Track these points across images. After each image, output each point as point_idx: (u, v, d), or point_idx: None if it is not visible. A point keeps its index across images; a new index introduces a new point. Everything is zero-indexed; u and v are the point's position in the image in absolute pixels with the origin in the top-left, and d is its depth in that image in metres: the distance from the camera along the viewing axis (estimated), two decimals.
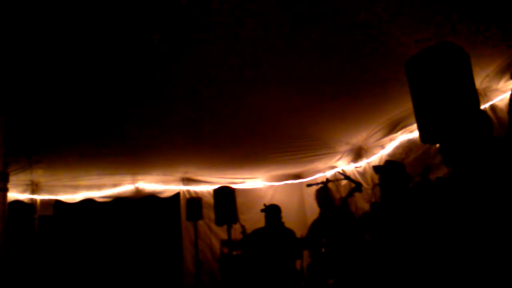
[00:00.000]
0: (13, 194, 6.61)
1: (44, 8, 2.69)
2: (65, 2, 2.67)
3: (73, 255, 7.49)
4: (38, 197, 7.01)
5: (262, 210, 5.84)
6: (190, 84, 4.03)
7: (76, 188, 7.27)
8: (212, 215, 6.11)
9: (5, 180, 3.28)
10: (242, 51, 3.50)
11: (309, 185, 5.71)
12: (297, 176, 8.51)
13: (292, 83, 4.21)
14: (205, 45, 3.33)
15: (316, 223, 5.60)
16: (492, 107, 4.40)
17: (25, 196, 6.90)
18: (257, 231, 5.88)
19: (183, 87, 4.09)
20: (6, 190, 3.28)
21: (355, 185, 5.05)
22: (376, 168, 4.50)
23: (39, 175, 6.68)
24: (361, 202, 6.14)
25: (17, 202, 6.73)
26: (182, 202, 7.67)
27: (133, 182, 7.58)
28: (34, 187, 6.97)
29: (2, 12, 2.68)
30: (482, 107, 4.27)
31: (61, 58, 3.33)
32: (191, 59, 3.55)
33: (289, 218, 6.22)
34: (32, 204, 6.92)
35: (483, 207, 2.24)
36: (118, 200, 7.53)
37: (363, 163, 6.60)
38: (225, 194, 5.67)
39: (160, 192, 7.78)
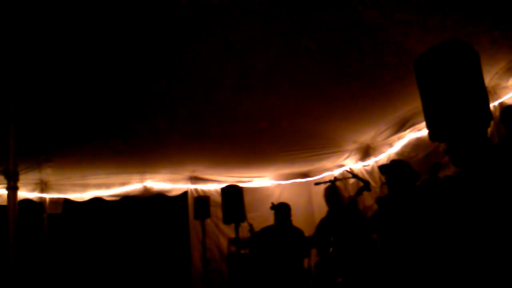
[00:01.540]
0: (23, 193, 6.66)
1: (50, 11, 2.72)
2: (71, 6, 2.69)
3: (82, 253, 7.54)
4: (47, 195, 7.05)
5: (271, 208, 5.84)
6: (198, 83, 4.04)
7: (84, 187, 7.30)
8: (219, 213, 6.10)
9: (15, 179, 3.31)
10: (250, 51, 3.50)
11: (317, 183, 5.70)
12: (304, 175, 8.47)
13: (299, 82, 4.21)
14: (210, 44, 3.34)
15: (324, 222, 5.59)
16: (502, 105, 4.36)
17: (34, 195, 6.93)
18: (265, 230, 5.88)
19: (191, 86, 4.10)
20: (16, 188, 3.31)
21: (363, 183, 5.03)
22: (381, 168, 4.48)
23: (48, 174, 6.72)
24: (369, 201, 6.12)
25: (26, 201, 6.78)
26: (190, 201, 7.68)
27: (141, 181, 7.60)
28: (43, 186, 7.01)
29: (16, 16, 2.71)
30: (491, 104, 4.24)
31: (70, 59, 3.35)
32: (198, 57, 3.56)
33: (297, 217, 6.20)
34: (41, 202, 6.96)
35: (491, 206, 2.23)
36: (126, 199, 7.55)
37: (371, 162, 6.57)
38: (232, 193, 5.66)
39: (168, 191, 7.79)
